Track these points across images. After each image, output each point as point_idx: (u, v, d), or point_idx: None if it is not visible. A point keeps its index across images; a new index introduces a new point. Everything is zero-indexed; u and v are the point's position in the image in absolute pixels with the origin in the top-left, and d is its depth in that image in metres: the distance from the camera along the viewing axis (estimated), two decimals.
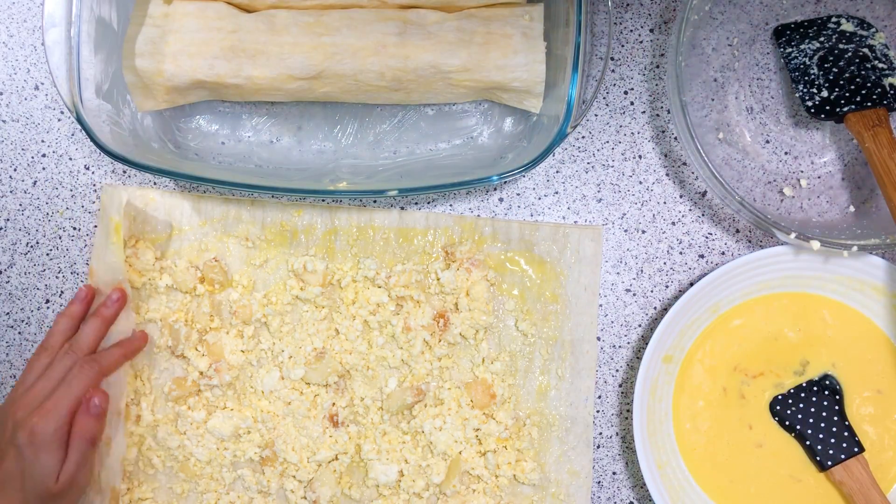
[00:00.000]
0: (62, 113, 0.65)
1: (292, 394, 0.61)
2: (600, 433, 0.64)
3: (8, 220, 0.65)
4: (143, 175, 0.65)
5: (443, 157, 0.63)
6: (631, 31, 0.66)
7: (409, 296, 0.61)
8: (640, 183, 0.65)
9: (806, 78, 0.63)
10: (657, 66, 0.66)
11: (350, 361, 0.61)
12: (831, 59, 0.62)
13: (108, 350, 0.59)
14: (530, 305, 0.62)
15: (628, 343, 0.64)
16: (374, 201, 0.64)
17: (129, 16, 0.59)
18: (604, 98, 0.65)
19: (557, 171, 0.65)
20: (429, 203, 0.65)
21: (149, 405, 0.61)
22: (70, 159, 0.65)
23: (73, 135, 0.65)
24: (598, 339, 0.64)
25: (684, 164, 0.65)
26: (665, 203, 0.65)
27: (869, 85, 0.61)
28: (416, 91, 0.60)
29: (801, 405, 0.61)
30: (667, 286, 0.65)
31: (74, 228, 0.65)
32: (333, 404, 0.61)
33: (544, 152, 0.56)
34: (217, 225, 0.63)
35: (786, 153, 0.65)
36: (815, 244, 0.57)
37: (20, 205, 0.65)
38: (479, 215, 0.64)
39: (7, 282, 0.65)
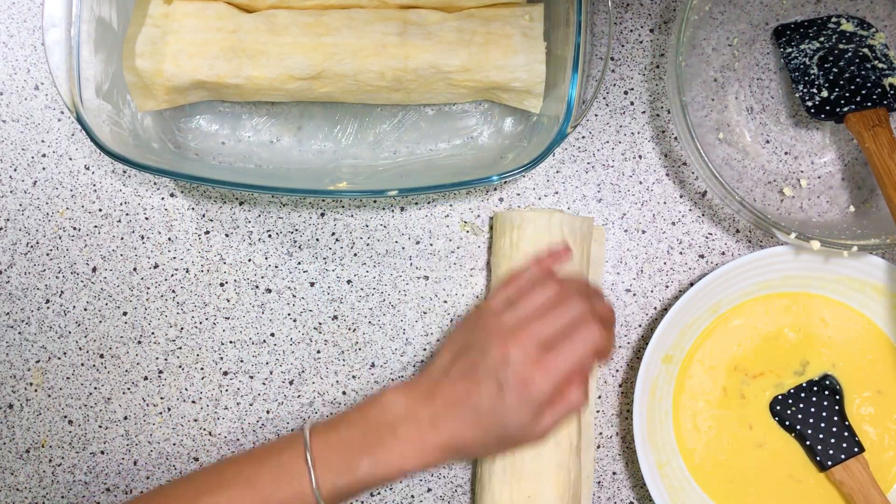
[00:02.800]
0: (62, 113, 0.65)
1: None
2: (600, 433, 0.64)
3: (8, 220, 0.65)
4: (143, 175, 0.65)
5: (443, 157, 0.63)
6: (631, 31, 0.66)
7: None
8: (640, 183, 0.65)
9: (806, 78, 0.63)
10: (657, 66, 0.66)
11: None
12: (831, 59, 0.62)
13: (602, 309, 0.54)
14: None
15: (628, 343, 0.64)
16: (374, 201, 0.64)
17: (129, 16, 0.59)
18: (604, 98, 0.65)
19: (557, 171, 0.65)
20: (429, 203, 0.65)
21: None
22: (70, 159, 0.65)
23: (73, 135, 0.65)
24: None
25: (684, 164, 0.65)
26: (665, 203, 0.65)
27: (869, 85, 0.61)
28: (416, 91, 0.60)
29: (801, 405, 0.61)
30: (667, 286, 0.65)
31: (74, 228, 0.65)
32: None
33: (544, 152, 0.56)
34: None
35: (786, 153, 0.65)
36: (815, 244, 0.57)
37: (20, 205, 0.65)
38: (478, 216, 0.64)
39: (7, 282, 0.65)
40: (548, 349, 0.51)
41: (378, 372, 0.64)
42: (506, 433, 0.50)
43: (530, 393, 0.50)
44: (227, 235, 0.65)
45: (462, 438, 0.50)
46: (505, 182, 0.64)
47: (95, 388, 0.64)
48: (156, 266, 0.65)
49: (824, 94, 0.62)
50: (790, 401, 0.62)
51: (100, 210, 0.65)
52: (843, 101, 0.61)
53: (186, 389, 0.64)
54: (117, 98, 0.59)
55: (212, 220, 0.65)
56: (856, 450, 0.60)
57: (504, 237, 0.61)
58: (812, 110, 0.62)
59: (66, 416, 0.64)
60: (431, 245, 0.65)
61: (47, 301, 0.65)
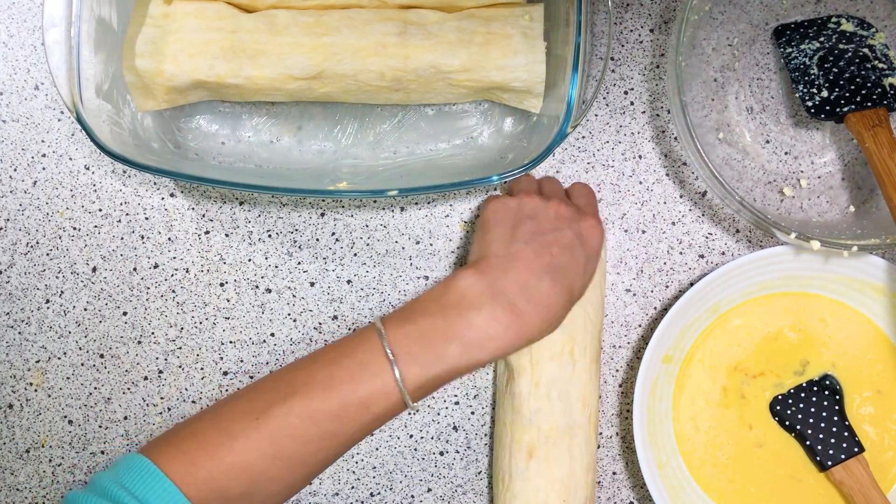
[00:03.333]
0: (62, 113, 0.65)
1: None
2: (600, 433, 0.64)
3: (8, 220, 0.65)
4: (143, 175, 0.65)
5: (443, 157, 0.63)
6: (631, 31, 0.66)
7: None
8: (640, 183, 0.65)
9: (806, 78, 0.63)
10: (657, 66, 0.66)
11: None
12: (831, 59, 0.62)
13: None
14: None
15: (628, 343, 0.64)
16: (374, 201, 0.64)
17: (129, 16, 0.59)
18: (604, 98, 0.65)
19: (557, 172, 0.65)
20: (429, 203, 0.65)
21: None
22: (70, 159, 0.65)
23: (73, 135, 0.65)
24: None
25: (684, 164, 0.65)
26: (665, 203, 0.65)
27: (869, 85, 0.61)
28: (416, 91, 0.60)
29: (801, 405, 0.61)
30: (667, 286, 0.65)
31: (74, 228, 0.65)
32: None
33: (544, 152, 0.56)
34: None
35: (786, 153, 0.65)
36: (815, 244, 0.57)
37: (20, 205, 0.65)
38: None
39: (7, 282, 0.65)
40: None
41: None
42: (584, 280, 0.53)
43: (594, 237, 0.54)
44: (227, 235, 0.65)
45: (556, 299, 0.50)
46: (505, 182, 0.64)
47: (95, 388, 0.64)
48: (156, 266, 0.65)
49: (824, 94, 0.62)
50: (790, 401, 0.62)
51: (100, 210, 0.65)
52: (843, 101, 0.61)
53: (186, 389, 0.64)
54: (117, 98, 0.59)
55: (212, 220, 0.65)
56: (856, 450, 0.60)
57: None
58: (812, 110, 0.62)
59: (66, 416, 0.64)
60: (431, 245, 0.65)
61: (47, 301, 0.65)
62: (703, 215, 0.65)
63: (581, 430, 0.59)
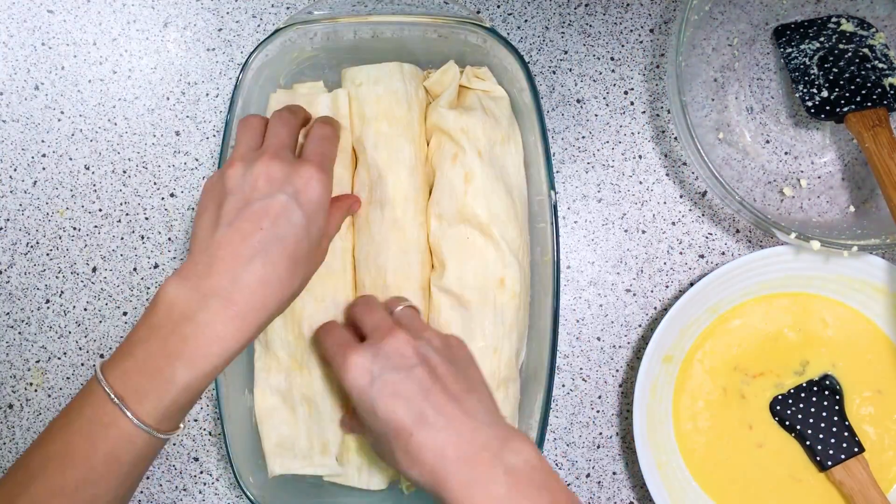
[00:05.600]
0: (62, 113, 0.65)
1: None
2: (600, 433, 0.64)
3: (8, 220, 0.65)
4: (143, 175, 0.64)
5: None
6: (631, 31, 0.66)
7: None
8: (640, 183, 0.65)
9: (806, 78, 0.63)
10: (657, 66, 0.66)
11: None
12: (831, 59, 0.62)
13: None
14: None
15: (628, 343, 0.64)
16: None
17: None
18: (604, 98, 0.65)
19: (557, 171, 0.65)
20: None
21: None
22: (70, 159, 0.65)
23: (72, 135, 0.65)
24: (598, 339, 0.64)
25: (684, 164, 0.65)
26: (665, 203, 0.65)
27: (869, 85, 0.61)
28: None
29: (801, 405, 0.61)
30: (667, 286, 0.65)
31: (74, 228, 0.65)
32: None
33: None
34: None
35: (786, 153, 0.65)
36: (815, 244, 0.57)
37: (20, 205, 0.65)
38: None
39: (7, 282, 0.65)
40: (297, 154, 0.50)
41: None
42: (309, 241, 0.48)
43: (311, 190, 0.48)
44: None
45: (276, 276, 0.46)
46: None
47: None
48: (156, 266, 0.65)
49: (824, 94, 0.62)
50: (790, 401, 0.62)
51: (100, 210, 0.65)
52: (843, 101, 0.61)
53: None
54: None
55: None
56: (856, 450, 0.60)
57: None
58: (812, 110, 0.62)
59: None
60: None
61: (47, 301, 0.65)
62: (703, 215, 0.65)
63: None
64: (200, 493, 0.64)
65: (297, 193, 0.48)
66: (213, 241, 0.46)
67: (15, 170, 0.65)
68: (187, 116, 0.66)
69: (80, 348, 0.64)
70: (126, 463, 0.44)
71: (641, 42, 0.66)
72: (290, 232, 0.47)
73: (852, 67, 0.62)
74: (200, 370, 0.44)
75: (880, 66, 0.62)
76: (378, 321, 0.51)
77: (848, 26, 0.63)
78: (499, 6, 0.66)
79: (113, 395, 0.43)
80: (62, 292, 0.65)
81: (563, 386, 0.64)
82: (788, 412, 0.61)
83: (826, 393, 0.62)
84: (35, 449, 0.45)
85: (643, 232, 0.65)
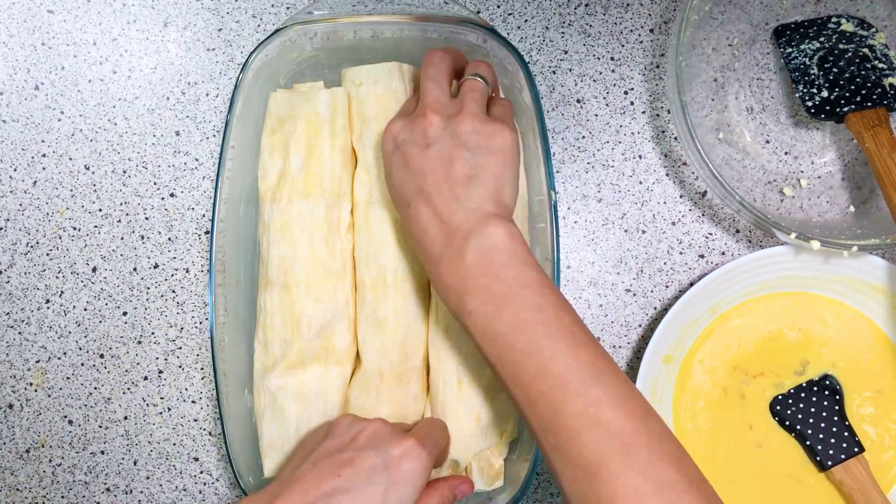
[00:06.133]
0: (62, 113, 0.65)
1: None
2: None
3: (8, 220, 0.65)
4: (143, 175, 0.64)
5: None
6: (631, 31, 0.66)
7: None
8: (640, 183, 0.65)
9: (806, 78, 0.63)
10: (657, 66, 0.66)
11: None
12: (831, 59, 0.62)
13: None
14: None
15: (628, 343, 0.64)
16: None
17: None
18: (604, 98, 0.65)
19: (557, 171, 0.65)
20: None
21: None
22: (70, 159, 0.65)
23: (72, 135, 0.65)
24: (599, 339, 0.64)
25: (684, 164, 0.65)
26: (665, 203, 0.65)
27: (869, 85, 0.61)
28: None
29: (801, 405, 0.61)
30: (667, 286, 0.65)
31: (74, 228, 0.65)
32: None
33: None
34: None
35: (786, 153, 0.65)
36: (815, 244, 0.57)
37: (20, 205, 0.65)
38: None
39: (7, 282, 0.65)
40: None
41: None
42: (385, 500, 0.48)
43: (407, 465, 0.49)
44: None
45: None
46: None
47: (95, 388, 0.64)
48: (156, 266, 0.65)
49: (824, 94, 0.62)
50: (790, 401, 0.62)
51: (100, 210, 0.65)
52: (843, 101, 0.61)
53: (186, 389, 0.64)
54: None
55: (212, 220, 0.65)
56: (856, 450, 0.60)
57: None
58: (812, 110, 0.62)
59: (66, 416, 0.64)
60: None
61: (47, 301, 0.65)
62: (703, 215, 0.65)
63: None
64: (200, 493, 0.64)
65: (391, 460, 0.48)
66: (294, 475, 0.48)
67: (15, 170, 0.65)
68: (187, 116, 0.66)
69: (80, 348, 0.64)
70: None
71: (641, 42, 0.66)
72: (364, 491, 0.47)
73: (852, 67, 0.62)
74: None
75: (880, 66, 0.62)
76: (437, 96, 0.53)
77: (848, 26, 0.63)
78: (499, 6, 0.66)
79: None
80: (62, 292, 0.65)
81: None
82: (788, 412, 0.61)
83: (826, 393, 0.62)
84: None
85: (643, 232, 0.65)
